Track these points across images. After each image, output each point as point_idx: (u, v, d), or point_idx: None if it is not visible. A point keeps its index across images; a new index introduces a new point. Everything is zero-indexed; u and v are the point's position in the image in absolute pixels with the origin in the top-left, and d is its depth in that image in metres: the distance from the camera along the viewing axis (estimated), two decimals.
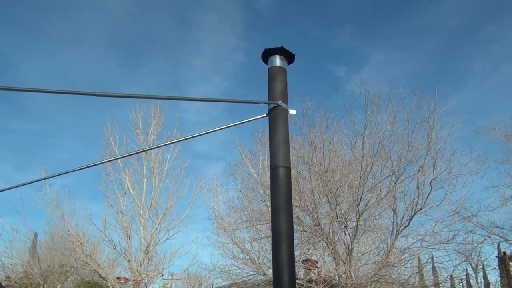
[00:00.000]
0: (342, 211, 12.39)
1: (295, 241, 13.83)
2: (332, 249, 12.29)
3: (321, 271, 12.66)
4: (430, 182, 11.89)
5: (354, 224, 12.16)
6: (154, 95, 3.01)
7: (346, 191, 12.59)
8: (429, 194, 11.84)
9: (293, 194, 12.56)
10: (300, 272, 15.01)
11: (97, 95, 2.31)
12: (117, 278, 17.18)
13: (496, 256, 17.79)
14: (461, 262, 13.53)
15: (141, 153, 18.27)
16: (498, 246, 16.67)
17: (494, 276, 22.63)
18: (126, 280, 16.96)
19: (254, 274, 15.16)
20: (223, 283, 18.14)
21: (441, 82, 13.16)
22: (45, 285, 24.41)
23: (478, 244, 13.39)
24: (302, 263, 13.29)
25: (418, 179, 11.99)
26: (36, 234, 26.45)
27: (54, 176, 3.44)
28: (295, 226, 13.08)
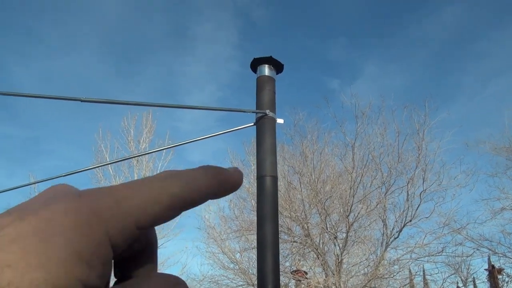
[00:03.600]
0: (332, 222, 12.40)
1: (286, 252, 13.80)
2: (322, 260, 12.27)
3: (310, 282, 12.61)
4: (420, 194, 11.96)
5: (344, 235, 12.17)
6: (139, 102, 3.01)
7: (336, 202, 12.61)
8: (418, 206, 11.92)
9: (283, 204, 12.56)
10: (290, 283, 14.94)
11: (82, 101, 2.30)
12: None
13: (485, 269, 17.84)
14: (451, 275, 13.57)
15: (132, 161, 18.19)
16: (489, 259, 16.72)
17: None
18: None
19: (244, 285, 15.07)
20: None
21: (431, 95, 13.34)
22: None
23: (467, 256, 13.44)
24: (291, 273, 13.24)
25: (408, 191, 12.07)
26: None
27: (40, 181, 3.42)
28: (285, 237, 13.05)
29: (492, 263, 16.42)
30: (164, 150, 18.76)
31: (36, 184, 16.94)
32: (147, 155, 18.52)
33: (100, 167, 17.85)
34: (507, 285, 15.35)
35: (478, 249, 13.31)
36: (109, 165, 17.80)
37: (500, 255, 13.41)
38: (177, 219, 17.41)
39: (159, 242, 17.50)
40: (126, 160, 18.18)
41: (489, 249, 13.44)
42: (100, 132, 18.46)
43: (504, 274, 15.51)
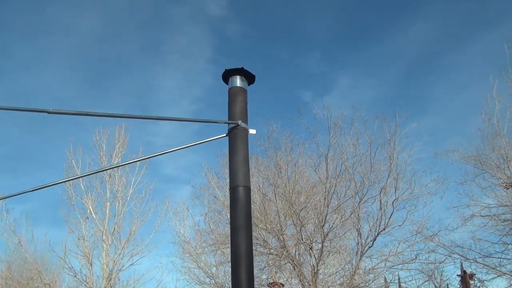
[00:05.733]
0: (308, 232, 12.43)
1: (262, 264, 13.73)
2: (298, 271, 12.26)
3: None
4: (392, 203, 12.14)
5: (319, 245, 12.21)
6: (109, 113, 2.98)
7: (311, 213, 12.67)
8: (391, 214, 12.08)
9: (259, 216, 12.53)
10: None
11: (49, 112, 2.26)
12: None
13: (458, 275, 18.17)
14: (425, 282, 13.77)
15: (104, 176, 17.83)
16: (461, 265, 17.03)
17: None
18: None
19: None
20: None
21: (402, 105, 13.64)
22: None
23: (440, 263, 13.68)
24: (268, 286, 13.17)
25: (380, 200, 12.24)
26: None
27: (7, 197, 3.32)
28: (261, 249, 13.00)
29: (464, 269, 16.74)
30: (138, 165, 18.48)
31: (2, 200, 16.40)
32: (120, 170, 18.21)
33: (71, 184, 17.44)
34: None
35: (450, 256, 13.56)
36: (81, 181, 17.40)
37: (471, 260, 13.68)
38: (151, 234, 17.05)
39: (134, 259, 17.12)
40: (98, 176, 17.82)
41: (461, 255, 13.71)
42: (71, 148, 18.07)
43: (475, 279, 15.82)
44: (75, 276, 16.37)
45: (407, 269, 12.51)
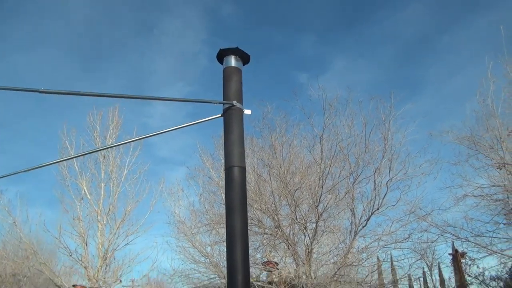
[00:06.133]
0: (302, 212, 12.52)
1: (257, 244, 13.86)
2: (293, 250, 12.39)
3: (281, 272, 12.73)
4: (386, 183, 12.20)
5: (313, 225, 12.31)
6: (101, 93, 2.94)
7: (305, 193, 12.73)
8: (385, 194, 12.15)
9: (253, 197, 12.59)
10: (262, 274, 15.05)
11: (40, 92, 2.22)
12: (73, 286, 16.66)
13: (449, 254, 18.48)
14: (417, 260, 13.95)
15: (98, 157, 17.79)
16: (453, 244, 17.30)
17: (448, 273, 23.55)
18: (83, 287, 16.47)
19: (215, 277, 15.08)
20: None
21: (397, 87, 13.67)
22: None
23: (432, 242, 13.87)
24: (262, 265, 13.33)
25: (375, 180, 12.29)
26: None
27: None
28: (256, 229, 13.10)
29: (456, 247, 17.02)
30: (132, 146, 18.44)
31: None
32: (114, 151, 18.16)
33: (65, 165, 17.39)
34: (470, 268, 15.96)
35: (442, 235, 13.76)
36: (75, 162, 17.36)
37: (463, 240, 13.90)
38: (146, 214, 17.18)
39: (129, 238, 17.23)
40: (92, 157, 17.77)
41: (453, 235, 13.91)
42: (64, 129, 17.99)
43: (467, 258, 16.10)
44: (70, 255, 16.50)
45: (400, 248, 12.66)
